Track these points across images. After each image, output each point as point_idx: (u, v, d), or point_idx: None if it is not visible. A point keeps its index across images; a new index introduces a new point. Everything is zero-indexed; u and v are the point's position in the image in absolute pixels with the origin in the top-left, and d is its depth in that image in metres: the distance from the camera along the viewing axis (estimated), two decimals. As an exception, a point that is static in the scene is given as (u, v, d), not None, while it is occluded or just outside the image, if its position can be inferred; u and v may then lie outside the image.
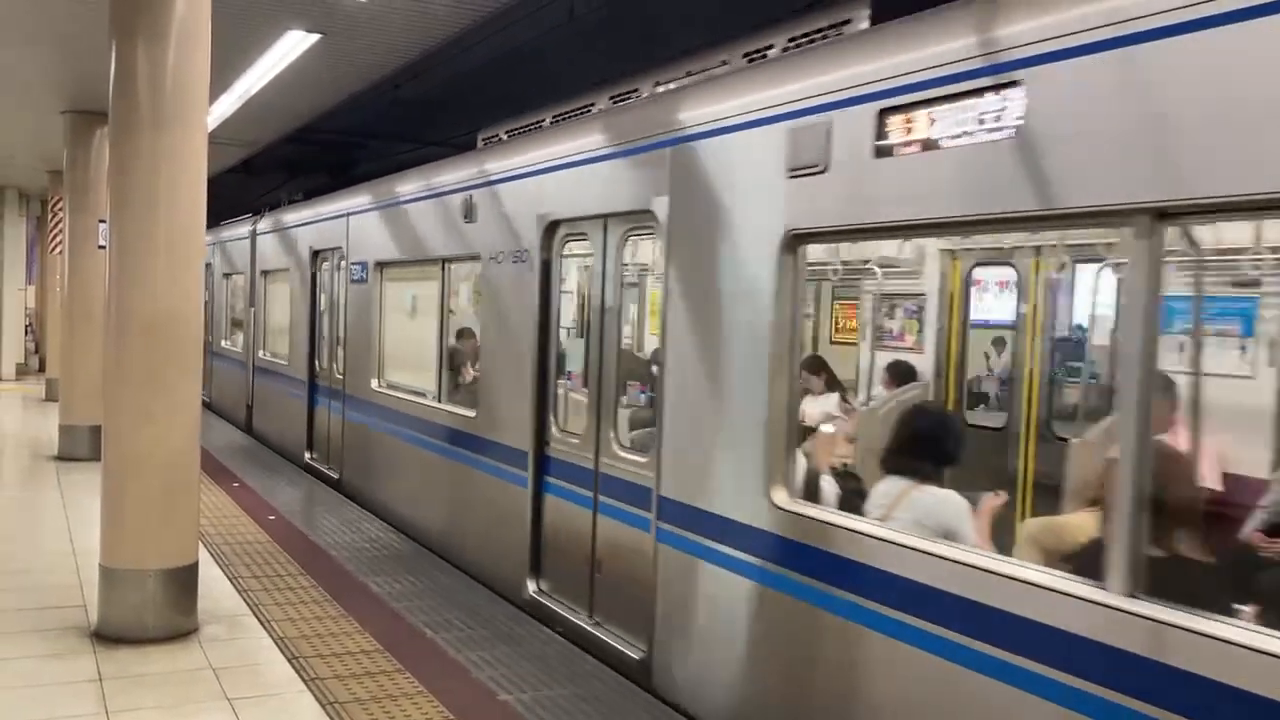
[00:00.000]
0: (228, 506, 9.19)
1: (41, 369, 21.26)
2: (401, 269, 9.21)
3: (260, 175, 16.85)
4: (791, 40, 4.91)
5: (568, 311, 6.77)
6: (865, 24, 4.58)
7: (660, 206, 5.23)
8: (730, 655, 4.73)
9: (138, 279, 5.69)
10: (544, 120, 7.25)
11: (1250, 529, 4.18)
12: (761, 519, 4.47)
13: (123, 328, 5.72)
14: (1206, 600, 2.96)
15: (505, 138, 7.72)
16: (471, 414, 7.45)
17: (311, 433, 11.47)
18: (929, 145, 3.75)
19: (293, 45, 8.44)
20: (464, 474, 7.52)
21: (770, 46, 5.03)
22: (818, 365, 7.33)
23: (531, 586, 6.48)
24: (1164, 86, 3.00)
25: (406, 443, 8.66)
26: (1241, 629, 2.78)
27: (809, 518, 4.31)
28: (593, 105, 6.61)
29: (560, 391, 6.56)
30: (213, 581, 6.63)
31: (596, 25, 8.90)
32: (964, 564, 3.56)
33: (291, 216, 12.81)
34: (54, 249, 16.92)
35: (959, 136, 3.64)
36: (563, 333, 6.70)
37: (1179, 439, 4.30)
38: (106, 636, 5.65)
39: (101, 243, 10.36)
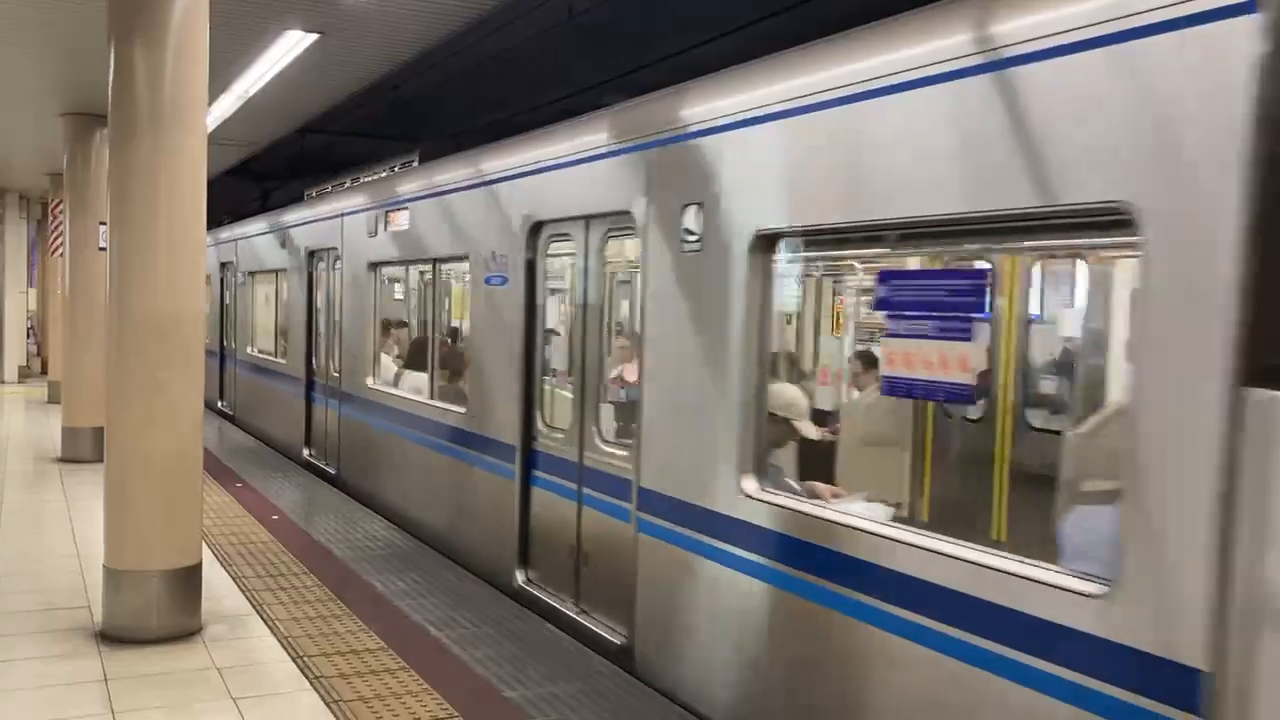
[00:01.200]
0: (231, 506, 9.21)
1: (44, 371, 21.28)
2: (261, 275, 14.63)
3: (258, 176, 17.36)
4: (405, 163, 9.76)
5: (320, 299, 11.62)
6: (416, 161, 9.40)
7: (339, 245, 10.58)
8: (361, 463, 9.93)
9: (139, 281, 5.70)
10: (328, 187, 12.16)
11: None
12: (363, 391, 9.81)
13: (124, 329, 5.73)
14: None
15: (315, 195, 12.57)
16: (285, 361, 12.83)
17: (222, 387, 16.87)
18: (392, 227, 9.00)
19: (291, 45, 8.45)
20: (282, 397, 12.77)
21: (410, 160, 9.69)
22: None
23: (306, 452, 11.74)
24: (430, 217, 8.21)
25: (263, 384, 14.02)
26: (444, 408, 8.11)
27: (371, 387, 9.65)
28: (345, 183, 11.59)
29: (320, 344, 11.61)
30: (216, 581, 6.65)
31: (595, 23, 8.91)
32: (410, 400, 8.79)
33: (210, 239, 18.82)
34: (55, 251, 16.93)
35: (400, 226, 8.81)
36: (319, 310, 11.69)
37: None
38: (111, 637, 5.67)
39: (102, 245, 10.39)
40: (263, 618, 6.10)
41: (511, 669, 5.38)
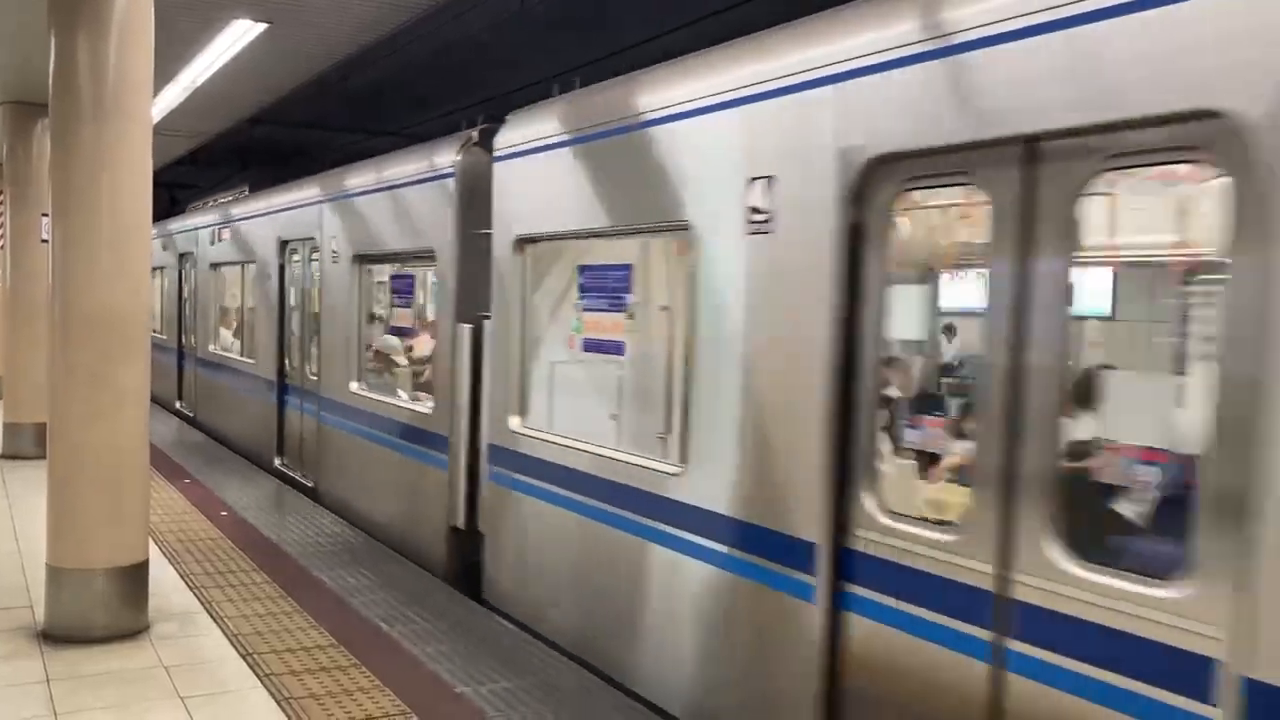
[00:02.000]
0: (178, 502, 9.08)
1: (-16, 366, 20.80)
2: (160, 270, 17.70)
3: (168, 185, 18.07)
4: (240, 193, 14.04)
5: (187, 290, 15.65)
6: (247, 191, 13.47)
7: (195, 250, 14.80)
8: (207, 405, 14.36)
9: (82, 273, 5.59)
10: (199, 204, 16.34)
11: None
12: (206, 355, 14.31)
13: (67, 323, 5.62)
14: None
15: (190, 209, 16.82)
16: (165, 336, 16.50)
17: None
18: (223, 238, 13.40)
19: (239, 34, 8.33)
20: (164, 364, 15.59)
21: (243, 191, 13.92)
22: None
23: (178, 404, 15.85)
24: (239, 233, 12.68)
25: (163, 358, 16.36)
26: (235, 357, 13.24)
27: (210, 351, 14.14)
28: (208, 202, 15.60)
29: (187, 323, 15.61)
30: (164, 579, 6.56)
31: (547, 14, 8.88)
32: (229, 357, 13.39)
33: None
34: (-5, 244, 16.52)
35: (227, 238, 13.25)
36: (187, 298, 15.67)
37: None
38: (54, 637, 5.57)
39: (44, 237, 10.13)
40: (211, 615, 6.02)
41: (463, 665, 5.37)
